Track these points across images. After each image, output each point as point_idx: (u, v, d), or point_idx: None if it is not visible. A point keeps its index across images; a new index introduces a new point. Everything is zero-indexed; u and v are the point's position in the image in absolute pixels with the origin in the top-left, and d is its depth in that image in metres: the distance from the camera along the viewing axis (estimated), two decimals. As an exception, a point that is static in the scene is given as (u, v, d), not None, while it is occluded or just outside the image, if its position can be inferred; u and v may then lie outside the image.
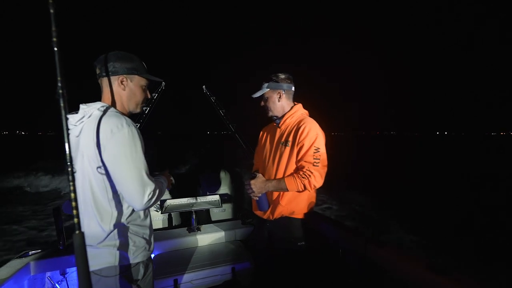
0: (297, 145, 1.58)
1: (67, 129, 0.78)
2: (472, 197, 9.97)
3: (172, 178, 1.47)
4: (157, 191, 1.13)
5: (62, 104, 0.77)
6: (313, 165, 1.50)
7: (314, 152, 1.52)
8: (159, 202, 3.12)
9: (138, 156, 1.08)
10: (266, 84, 1.71)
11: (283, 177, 1.58)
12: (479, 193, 10.63)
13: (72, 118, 1.11)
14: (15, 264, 1.72)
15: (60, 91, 0.76)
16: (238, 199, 3.51)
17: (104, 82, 1.19)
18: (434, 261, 1.46)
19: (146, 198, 1.07)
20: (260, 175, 1.59)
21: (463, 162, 23.13)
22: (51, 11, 0.72)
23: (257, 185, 1.57)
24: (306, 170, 1.50)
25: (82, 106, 1.12)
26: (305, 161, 1.53)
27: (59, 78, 0.76)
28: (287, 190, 1.55)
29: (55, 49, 0.75)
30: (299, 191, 1.56)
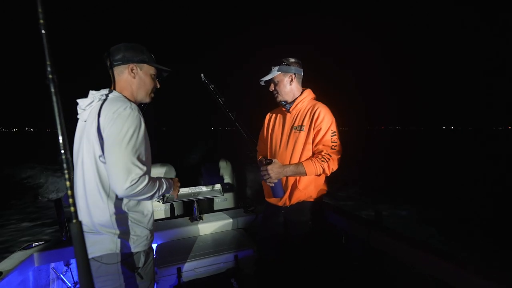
0: (313, 130, 1.59)
1: (61, 116, 0.75)
2: (476, 190, 9.92)
3: (178, 188, 1.42)
4: (145, 181, 1.06)
5: (53, 90, 0.74)
6: (331, 149, 1.54)
7: (331, 136, 1.56)
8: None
9: (133, 140, 1.05)
10: (276, 68, 1.65)
11: (301, 161, 1.56)
12: (483, 186, 10.57)
13: (82, 103, 1.14)
14: (19, 256, 1.73)
15: (50, 76, 0.73)
16: (240, 188, 3.51)
17: (115, 71, 1.23)
18: (435, 246, 1.46)
19: (127, 184, 1.00)
20: (276, 160, 1.53)
21: (467, 156, 22.94)
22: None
23: (275, 171, 1.50)
24: (325, 153, 1.53)
25: (91, 92, 1.15)
26: (323, 145, 1.56)
27: (48, 63, 0.73)
28: (305, 175, 1.54)
29: (43, 31, 0.72)
30: (317, 175, 1.57)
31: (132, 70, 1.23)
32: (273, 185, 1.56)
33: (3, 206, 7.77)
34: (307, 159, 1.57)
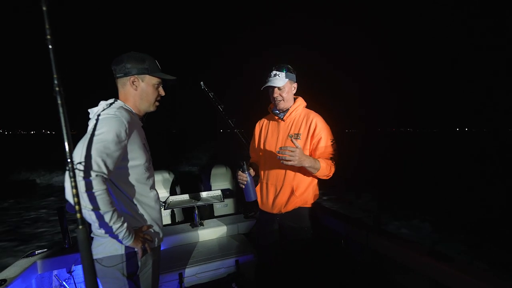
0: (312, 138, 1.64)
1: (68, 127, 0.79)
2: (489, 193, 9.78)
3: (142, 238, 1.16)
4: (99, 185, 0.96)
5: (59, 101, 0.78)
6: (333, 155, 1.62)
7: (332, 144, 1.64)
8: (162, 199, 3.14)
9: (101, 141, 1.01)
10: (283, 74, 1.63)
11: (316, 158, 1.57)
12: (491, 188, 10.40)
13: (91, 111, 1.16)
14: (22, 264, 1.75)
15: (57, 88, 0.77)
16: (240, 194, 3.52)
17: (119, 83, 1.25)
18: (434, 249, 1.48)
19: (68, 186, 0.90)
20: (300, 146, 1.48)
21: (482, 158, 22.63)
22: (44, 8, 0.72)
23: (300, 155, 1.43)
24: (331, 158, 1.60)
25: (101, 102, 1.18)
26: (327, 152, 1.62)
27: (55, 76, 0.77)
28: (316, 171, 1.54)
29: (50, 46, 0.76)
30: (324, 174, 1.59)
31: (133, 82, 1.23)
32: (245, 185, 1.59)
33: (8, 211, 7.81)
34: (321, 158, 1.59)
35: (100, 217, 0.98)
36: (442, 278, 1.32)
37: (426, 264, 1.40)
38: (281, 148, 1.45)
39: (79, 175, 0.94)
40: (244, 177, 1.60)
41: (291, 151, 1.42)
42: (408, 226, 6.12)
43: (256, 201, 1.84)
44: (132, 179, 1.18)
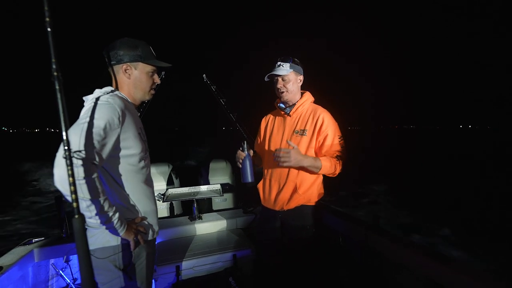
0: (318, 134, 1.58)
1: (66, 113, 0.76)
2: (488, 191, 9.74)
3: (134, 230, 1.13)
4: (86, 171, 0.91)
5: (57, 87, 0.75)
6: (340, 152, 1.58)
7: (339, 140, 1.59)
8: (161, 192, 3.14)
9: (91, 126, 0.97)
10: (288, 64, 1.58)
11: (318, 157, 1.55)
12: (496, 188, 10.37)
13: (86, 99, 1.12)
14: (19, 251, 1.74)
15: (55, 73, 0.75)
16: (239, 189, 3.52)
17: (111, 71, 1.21)
18: (432, 248, 1.48)
19: (61, 153, 0.85)
20: (296, 146, 1.47)
21: (484, 155, 22.51)
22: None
23: (295, 156, 1.42)
24: (337, 156, 1.56)
25: (96, 90, 1.14)
26: (333, 149, 1.58)
27: (53, 60, 0.74)
28: (318, 170, 1.52)
29: (49, 29, 0.73)
30: (329, 173, 1.57)
31: (126, 70, 1.18)
32: (242, 164, 1.55)
33: (8, 201, 7.85)
34: (323, 156, 1.56)
35: (90, 206, 0.94)
36: (439, 278, 1.32)
37: (424, 264, 1.39)
38: (276, 150, 1.44)
39: (61, 150, 0.88)
40: (242, 155, 1.56)
41: (285, 152, 1.41)
42: (407, 225, 6.14)
43: (258, 196, 1.83)
44: (126, 168, 1.14)
